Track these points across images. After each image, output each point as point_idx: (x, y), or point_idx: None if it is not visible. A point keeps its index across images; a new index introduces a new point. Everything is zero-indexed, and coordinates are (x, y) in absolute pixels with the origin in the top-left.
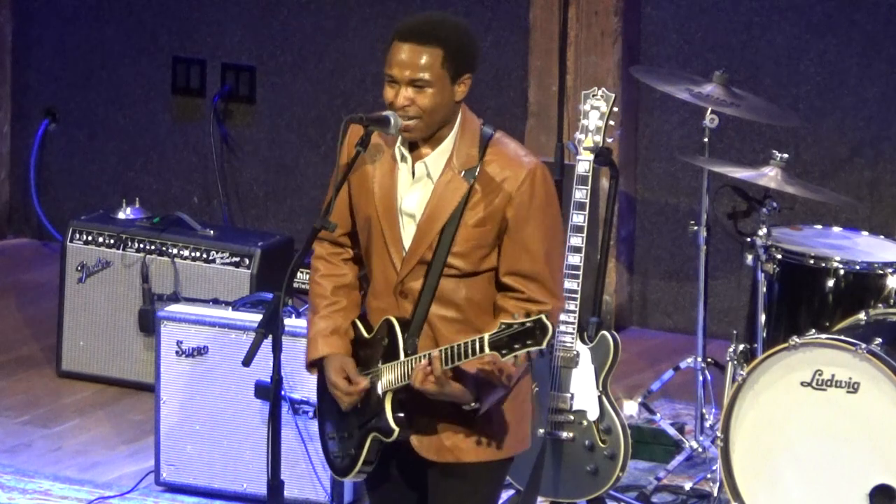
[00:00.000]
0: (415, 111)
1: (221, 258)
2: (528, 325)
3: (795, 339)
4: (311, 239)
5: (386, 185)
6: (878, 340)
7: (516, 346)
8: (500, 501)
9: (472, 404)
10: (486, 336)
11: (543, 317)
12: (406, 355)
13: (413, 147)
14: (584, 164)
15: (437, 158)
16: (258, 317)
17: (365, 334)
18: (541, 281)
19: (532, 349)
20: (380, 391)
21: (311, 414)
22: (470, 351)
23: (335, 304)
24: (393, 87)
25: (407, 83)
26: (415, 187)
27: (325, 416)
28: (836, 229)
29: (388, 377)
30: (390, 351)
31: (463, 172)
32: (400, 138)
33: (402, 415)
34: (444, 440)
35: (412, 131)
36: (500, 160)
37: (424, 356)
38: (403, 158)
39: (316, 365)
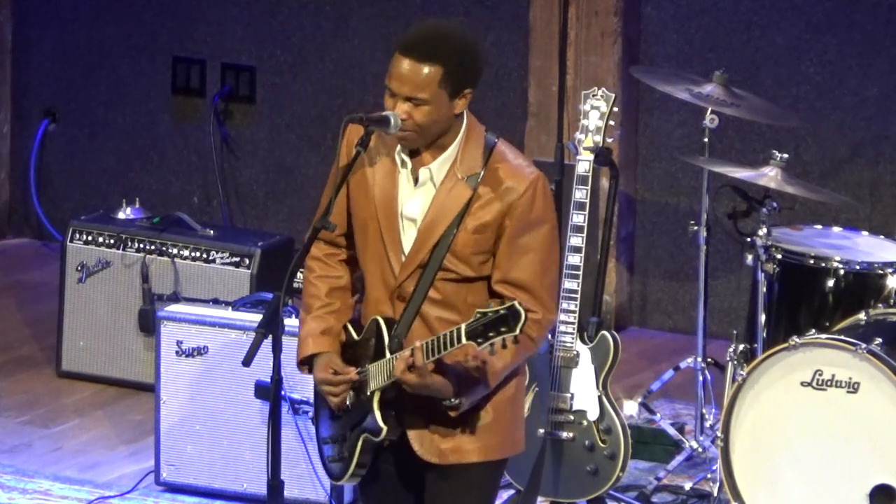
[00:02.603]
0: (410, 125)
1: (221, 258)
2: (503, 312)
3: (795, 339)
4: (311, 239)
5: (387, 189)
6: (878, 340)
7: (491, 335)
8: (500, 501)
9: (452, 400)
10: (464, 326)
11: (516, 303)
12: (391, 353)
13: (414, 153)
14: (584, 164)
15: (441, 165)
16: (258, 317)
17: (355, 336)
18: (532, 291)
19: (506, 336)
20: (367, 391)
21: (310, 414)
22: (448, 342)
23: (328, 305)
24: (392, 98)
25: (404, 98)
26: (416, 192)
27: (321, 421)
28: (836, 229)
29: (375, 376)
30: (377, 350)
31: (466, 178)
32: (399, 144)
33: (391, 413)
34: (443, 442)
35: (408, 142)
36: (504, 169)
37: (408, 350)
38: (403, 164)
39: (307, 364)
